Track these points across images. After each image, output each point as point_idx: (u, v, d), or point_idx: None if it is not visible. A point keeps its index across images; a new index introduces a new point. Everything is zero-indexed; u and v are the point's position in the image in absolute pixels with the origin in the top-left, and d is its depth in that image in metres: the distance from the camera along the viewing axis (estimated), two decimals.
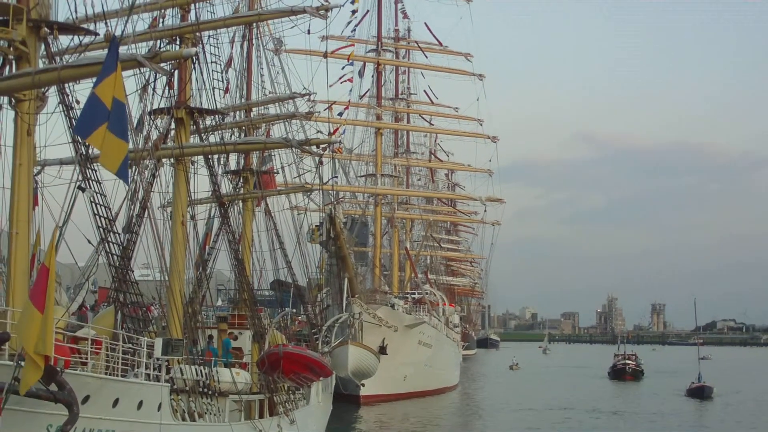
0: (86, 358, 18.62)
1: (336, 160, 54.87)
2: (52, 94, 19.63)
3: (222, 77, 30.47)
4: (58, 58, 19.58)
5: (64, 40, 20.33)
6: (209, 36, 29.16)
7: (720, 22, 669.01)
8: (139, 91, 26.88)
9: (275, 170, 39.29)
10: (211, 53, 28.96)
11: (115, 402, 18.51)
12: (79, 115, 18.03)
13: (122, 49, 18.91)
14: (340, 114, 67.56)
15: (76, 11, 20.52)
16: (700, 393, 63.71)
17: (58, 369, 15.74)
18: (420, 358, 60.49)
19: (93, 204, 20.00)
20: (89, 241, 21.96)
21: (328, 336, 43.35)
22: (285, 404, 29.55)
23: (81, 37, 20.57)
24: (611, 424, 46.88)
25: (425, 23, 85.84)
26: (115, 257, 20.51)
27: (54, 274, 15.71)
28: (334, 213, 42.44)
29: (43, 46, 19.71)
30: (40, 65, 19.53)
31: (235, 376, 25.84)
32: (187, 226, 27.47)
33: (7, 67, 19.28)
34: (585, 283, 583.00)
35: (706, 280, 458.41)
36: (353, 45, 67.72)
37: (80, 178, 20.16)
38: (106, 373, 18.89)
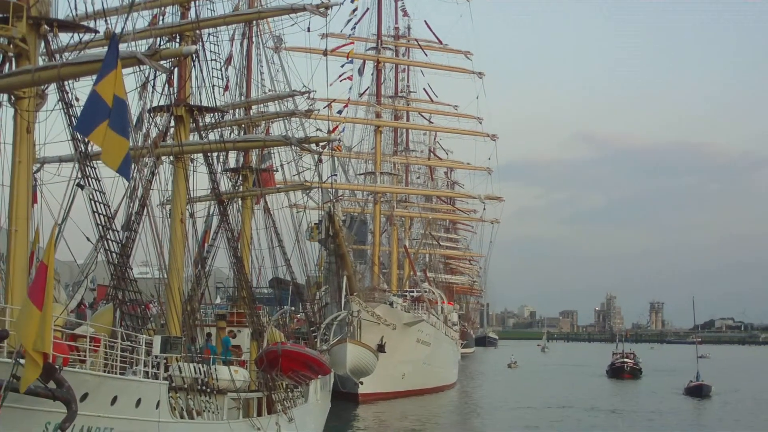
0: (85, 356, 18.61)
1: (335, 158, 54.85)
2: (52, 91, 19.63)
3: (222, 75, 30.43)
4: (57, 56, 19.57)
5: (64, 38, 20.32)
6: (209, 33, 29.17)
7: (720, 22, 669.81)
8: (138, 89, 26.84)
9: (274, 168, 39.32)
10: (210, 51, 29.00)
11: (114, 400, 18.51)
12: (80, 112, 18.04)
13: (122, 47, 18.95)
14: (340, 112, 67.50)
15: (76, 8, 20.49)
16: (698, 391, 63.77)
17: (57, 366, 15.74)
18: (418, 356, 60.55)
19: (92, 201, 20.00)
20: (88, 239, 22.00)
21: (327, 334, 43.37)
22: (283, 402, 29.58)
23: (81, 35, 20.53)
24: (609, 423, 46.91)
25: (425, 21, 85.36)
26: (113, 255, 20.52)
27: (53, 271, 15.73)
28: (333, 211, 42.47)
29: (43, 44, 19.70)
30: (40, 63, 19.53)
31: (234, 374, 25.85)
32: (186, 223, 27.48)
33: (7, 65, 19.27)
34: (584, 283, 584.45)
35: (706, 279, 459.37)
36: (353, 43, 67.70)
37: (79, 175, 20.15)
38: (104, 371, 18.89)
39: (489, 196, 78.84)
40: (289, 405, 30.01)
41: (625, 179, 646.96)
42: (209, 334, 29.12)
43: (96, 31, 20.95)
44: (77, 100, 19.82)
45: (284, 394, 30.17)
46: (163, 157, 27.84)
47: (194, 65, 27.49)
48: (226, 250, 31.52)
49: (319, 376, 33.72)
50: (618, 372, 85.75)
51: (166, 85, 27.14)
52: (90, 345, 18.95)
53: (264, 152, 38.53)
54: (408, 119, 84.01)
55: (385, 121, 73.69)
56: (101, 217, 20.12)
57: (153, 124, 27.75)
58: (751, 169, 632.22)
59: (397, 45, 78.67)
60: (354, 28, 68.58)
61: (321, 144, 36.43)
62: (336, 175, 57.36)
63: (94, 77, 17.56)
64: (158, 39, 25.36)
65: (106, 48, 18.20)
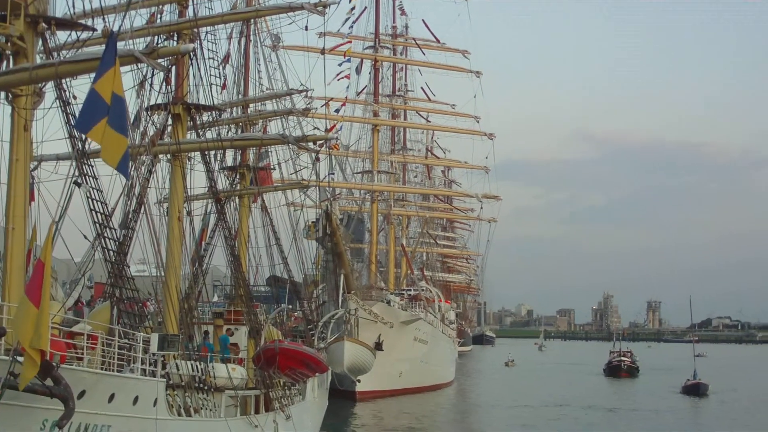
0: (82, 354, 18.63)
1: (333, 157, 54.84)
2: (50, 89, 19.64)
3: (219, 73, 30.43)
4: (55, 54, 19.58)
5: (62, 36, 20.31)
6: (207, 32, 29.16)
7: (720, 22, 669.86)
8: (136, 87, 26.87)
9: (272, 166, 39.32)
10: (208, 49, 29.00)
11: (111, 397, 18.55)
12: (79, 110, 18.05)
13: (120, 45, 18.93)
14: (337, 110, 67.45)
15: (73, 7, 20.51)
16: (695, 390, 63.91)
17: (54, 364, 15.78)
18: (415, 355, 60.62)
19: (89, 199, 20.03)
20: (85, 237, 22.02)
21: (324, 332, 43.32)
22: (281, 400, 29.62)
23: (78, 33, 20.52)
24: (606, 421, 47.01)
25: (423, 20, 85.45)
26: (111, 253, 20.55)
27: (50, 269, 15.74)
28: (330, 209, 42.39)
29: (40, 42, 19.71)
30: (38, 61, 19.54)
31: (231, 372, 25.88)
32: (183, 222, 27.50)
33: (5, 63, 19.28)
34: (583, 282, 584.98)
35: (705, 278, 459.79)
36: (351, 42, 67.68)
37: (76, 173, 20.17)
38: (101, 369, 18.92)
39: (486, 195, 78.93)
40: (286, 403, 30.05)
41: (624, 178, 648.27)
42: (207, 332, 29.15)
43: (94, 29, 20.95)
44: (74, 98, 19.88)
45: (282, 392, 30.20)
46: (160, 155, 27.84)
47: (192, 63, 27.48)
48: (223, 248, 31.54)
49: (317, 374, 33.78)
50: (615, 370, 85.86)
51: (164, 84, 27.20)
52: (87, 342, 18.97)
53: (261, 151, 38.53)
54: (405, 118, 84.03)
55: (383, 119, 73.73)
56: (98, 215, 20.15)
57: (150, 122, 27.77)
58: (750, 168, 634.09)
59: (395, 44, 78.63)
60: (352, 26, 68.78)
61: (318, 142, 36.40)
62: (333, 173, 57.38)
63: (92, 75, 17.57)
64: (156, 37, 25.33)
65: (103, 46, 18.22)
